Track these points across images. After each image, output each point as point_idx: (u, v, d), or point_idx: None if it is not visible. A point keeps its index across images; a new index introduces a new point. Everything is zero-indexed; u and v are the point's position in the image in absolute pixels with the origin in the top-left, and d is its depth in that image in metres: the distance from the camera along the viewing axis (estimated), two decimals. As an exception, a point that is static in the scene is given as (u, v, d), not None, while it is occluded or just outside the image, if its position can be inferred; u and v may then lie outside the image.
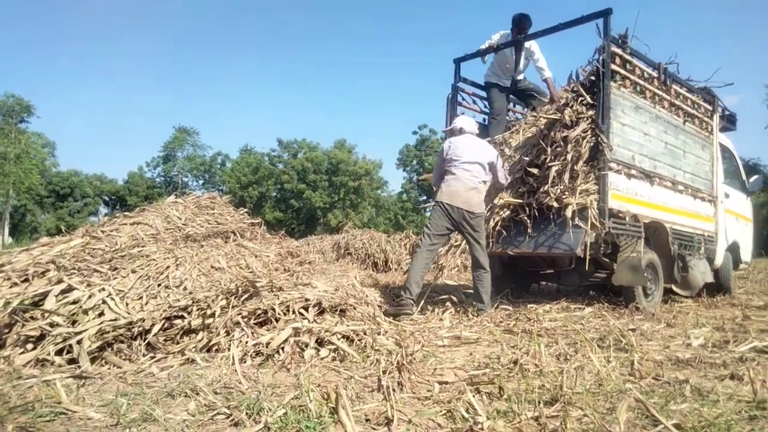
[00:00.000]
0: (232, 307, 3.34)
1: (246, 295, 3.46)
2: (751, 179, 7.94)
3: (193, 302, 3.33)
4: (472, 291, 4.91)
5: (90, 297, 3.25)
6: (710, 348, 3.44)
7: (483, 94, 6.82)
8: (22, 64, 73.91)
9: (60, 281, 3.38)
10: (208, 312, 3.26)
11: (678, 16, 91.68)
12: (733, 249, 7.29)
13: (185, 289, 3.61)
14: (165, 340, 3.17)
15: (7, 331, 3.09)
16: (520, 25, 6.26)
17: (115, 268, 3.68)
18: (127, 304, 3.31)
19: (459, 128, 5.20)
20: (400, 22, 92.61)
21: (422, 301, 4.92)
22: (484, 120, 6.80)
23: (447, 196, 4.81)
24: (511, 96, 6.73)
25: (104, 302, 3.24)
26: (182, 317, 3.28)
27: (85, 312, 3.14)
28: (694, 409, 2.16)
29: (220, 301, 3.35)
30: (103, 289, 3.33)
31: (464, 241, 5.20)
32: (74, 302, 3.21)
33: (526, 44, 6.31)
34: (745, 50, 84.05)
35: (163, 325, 3.21)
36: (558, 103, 5.66)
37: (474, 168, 4.90)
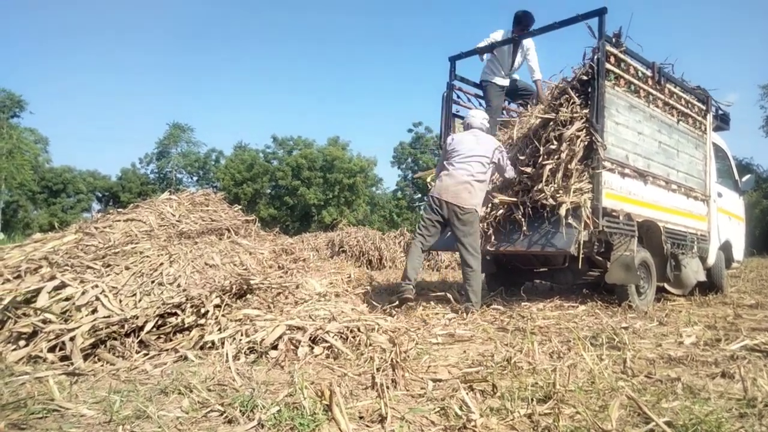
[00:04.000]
0: (226, 305, 3.34)
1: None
2: (744, 178, 7.99)
3: (187, 299, 3.32)
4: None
5: (83, 294, 3.24)
6: (702, 346, 3.46)
7: (478, 92, 6.83)
8: (15, 58, 73.38)
9: (53, 278, 3.36)
10: (202, 310, 3.26)
11: (673, 16, 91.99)
12: (726, 248, 7.34)
13: (179, 286, 3.60)
14: (157, 338, 3.16)
15: (-1, 327, 3.08)
16: (523, 22, 6.30)
17: (109, 265, 3.67)
18: (120, 301, 3.30)
19: (467, 123, 5.33)
20: (395, 20, 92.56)
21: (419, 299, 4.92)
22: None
23: (437, 190, 4.93)
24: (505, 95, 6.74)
25: (97, 299, 3.22)
26: (176, 314, 3.27)
27: (78, 309, 3.13)
28: (685, 406, 2.17)
29: (214, 298, 3.35)
30: (96, 286, 3.32)
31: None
32: (67, 299, 3.19)
33: (525, 42, 6.35)
34: (739, 50, 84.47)
35: (156, 322, 3.20)
36: (546, 103, 5.71)
37: (470, 164, 4.92)
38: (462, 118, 6.60)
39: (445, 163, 5.02)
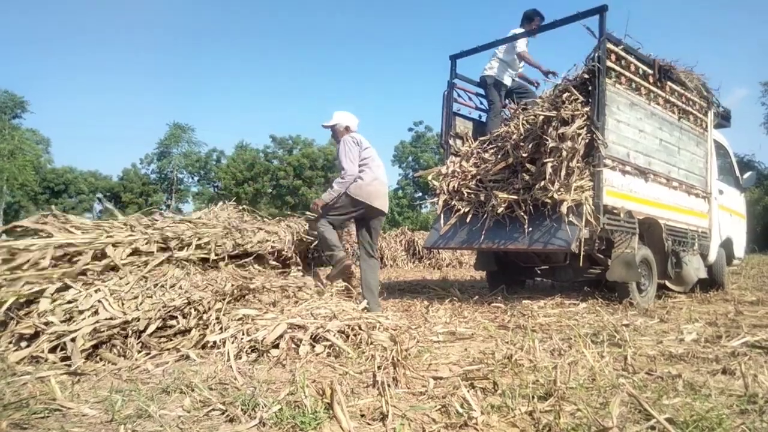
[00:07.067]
0: (227, 303, 3.35)
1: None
2: (745, 175, 7.98)
3: (189, 303, 3.31)
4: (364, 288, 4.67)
5: (86, 297, 3.23)
6: (703, 343, 3.46)
7: (478, 90, 6.83)
8: (16, 59, 73.48)
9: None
10: (204, 317, 3.26)
11: (676, 12, 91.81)
12: (727, 245, 7.34)
13: (181, 288, 3.60)
14: (159, 338, 3.16)
15: (1, 329, 3.08)
16: (532, 20, 6.49)
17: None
18: (122, 303, 3.29)
19: (345, 126, 4.87)
20: (395, 19, 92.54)
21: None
22: (480, 116, 6.82)
23: (365, 196, 4.58)
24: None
25: (99, 301, 3.22)
26: (177, 318, 3.26)
27: (80, 312, 3.12)
28: (686, 403, 2.17)
29: (215, 305, 3.34)
30: (99, 290, 3.31)
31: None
32: (70, 302, 3.19)
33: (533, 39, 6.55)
34: (742, 47, 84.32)
35: (157, 325, 3.19)
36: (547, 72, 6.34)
37: (382, 168, 4.89)
38: (463, 116, 6.63)
39: (365, 166, 4.66)
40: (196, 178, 55.36)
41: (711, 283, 6.85)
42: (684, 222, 6.20)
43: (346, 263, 4.55)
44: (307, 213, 5.04)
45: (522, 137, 5.57)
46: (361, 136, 4.81)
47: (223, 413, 2.09)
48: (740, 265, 9.06)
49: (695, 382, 2.52)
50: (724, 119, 7.67)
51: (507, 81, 6.58)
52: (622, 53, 5.36)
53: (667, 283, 6.11)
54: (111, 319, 3.09)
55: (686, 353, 3.13)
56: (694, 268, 6.15)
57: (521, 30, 6.48)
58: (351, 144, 4.68)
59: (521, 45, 6.42)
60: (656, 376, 2.66)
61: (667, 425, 1.86)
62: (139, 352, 3.02)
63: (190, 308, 3.29)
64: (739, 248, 7.81)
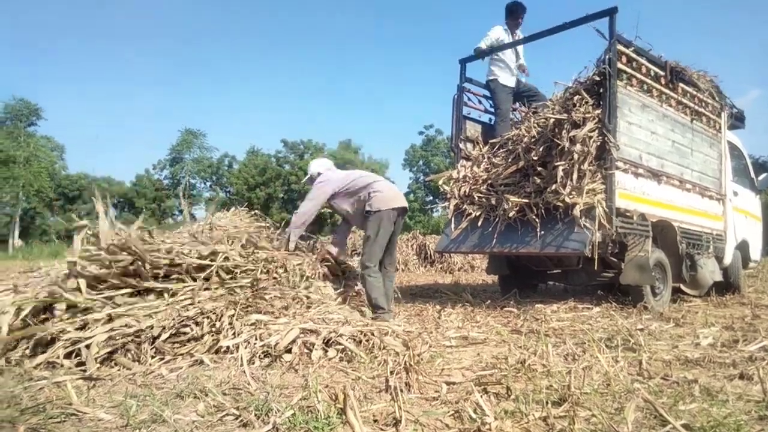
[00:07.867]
0: (240, 309, 3.36)
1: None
2: (761, 177, 7.88)
3: (202, 313, 3.33)
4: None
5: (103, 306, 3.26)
6: (719, 347, 3.42)
7: (488, 93, 6.82)
8: (30, 67, 74.63)
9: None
10: (217, 324, 3.27)
11: (679, 12, 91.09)
12: (743, 247, 7.25)
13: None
14: (173, 344, 3.18)
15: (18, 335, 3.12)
16: (517, 12, 6.56)
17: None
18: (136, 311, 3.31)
19: (318, 173, 4.92)
20: (405, 22, 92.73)
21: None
22: (490, 120, 6.81)
23: (390, 202, 4.39)
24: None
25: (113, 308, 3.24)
26: (190, 326, 3.28)
27: (95, 320, 3.15)
28: (703, 409, 2.15)
29: (228, 311, 3.35)
30: (111, 298, 3.33)
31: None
32: (85, 309, 3.22)
33: (519, 32, 6.64)
34: (755, 48, 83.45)
35: (171, 332, 3.21)
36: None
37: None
38: (474, 120, 6.63)
39: (364, 185, 4.53)
40: (208, 184, 55.76)
41: (727, 286, 6.77)
42: (698, 224, 6.13)
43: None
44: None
45: (533, 140, 5.56)
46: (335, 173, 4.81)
47: (236, 418, 2.10)
48: (756, 268, 8.94)
49: (712, 387, 2.49)
50: (737, 120, 7.59)
51: (510, 82, 6.57)
52: (633, 55, 5.33)
53: (682, 287, 6.05)
54: (125, 326, 3.12)
55: (702, 358, 3.09)
56: (710, 271, 6.08)
57: (505, 27, 6.59)
58: (317, 186, 4.72)
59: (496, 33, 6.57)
60: (672, 381, 2.63)
61: (683, 431, 1.84)
62: (153, 357, 3.04)
63: (203, 318, 3.31)
64: (755, 250, 7.71)
